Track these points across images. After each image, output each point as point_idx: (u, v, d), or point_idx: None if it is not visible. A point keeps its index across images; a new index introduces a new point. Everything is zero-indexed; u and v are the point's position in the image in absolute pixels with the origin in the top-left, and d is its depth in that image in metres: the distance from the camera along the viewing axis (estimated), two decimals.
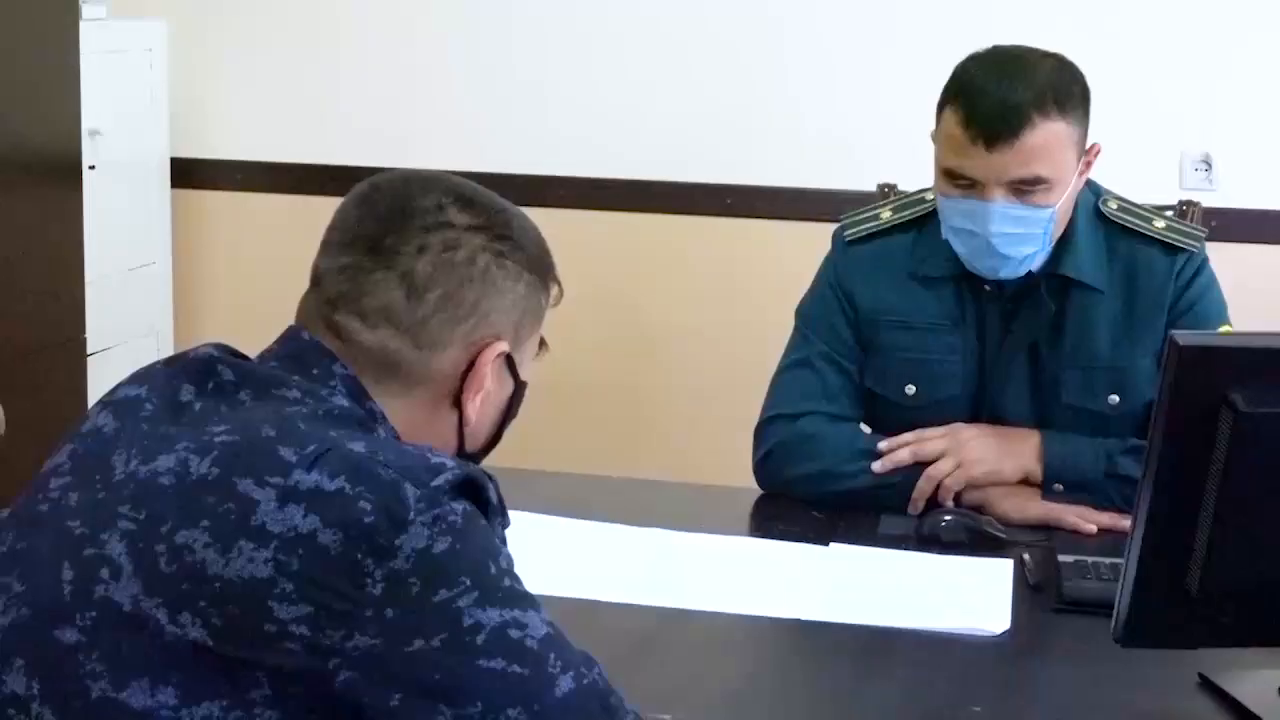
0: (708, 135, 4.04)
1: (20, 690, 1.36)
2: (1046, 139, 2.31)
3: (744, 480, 2.53)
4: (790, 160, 4.00)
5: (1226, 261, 2.63)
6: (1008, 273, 2.40)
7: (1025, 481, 2.40)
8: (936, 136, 2.39)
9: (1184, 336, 1.65)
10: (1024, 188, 2.33)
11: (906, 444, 2.41)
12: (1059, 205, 2.35)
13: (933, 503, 2.38)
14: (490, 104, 4.15)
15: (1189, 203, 2.84)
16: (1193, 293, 2.45)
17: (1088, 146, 2.39)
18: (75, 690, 1.34)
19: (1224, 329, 2.43)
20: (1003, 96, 2.31)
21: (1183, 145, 3.82)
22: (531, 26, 4.12)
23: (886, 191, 2.84)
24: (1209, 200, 3.21)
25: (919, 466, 2.39)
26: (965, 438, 2.41)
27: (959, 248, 2.41)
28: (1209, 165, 3.80)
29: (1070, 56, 2.42)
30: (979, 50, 2.41)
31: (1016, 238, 2.35)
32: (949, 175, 2.37)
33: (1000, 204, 2.33)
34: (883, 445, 2.42)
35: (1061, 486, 2.38)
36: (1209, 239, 2.51)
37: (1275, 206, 3.78)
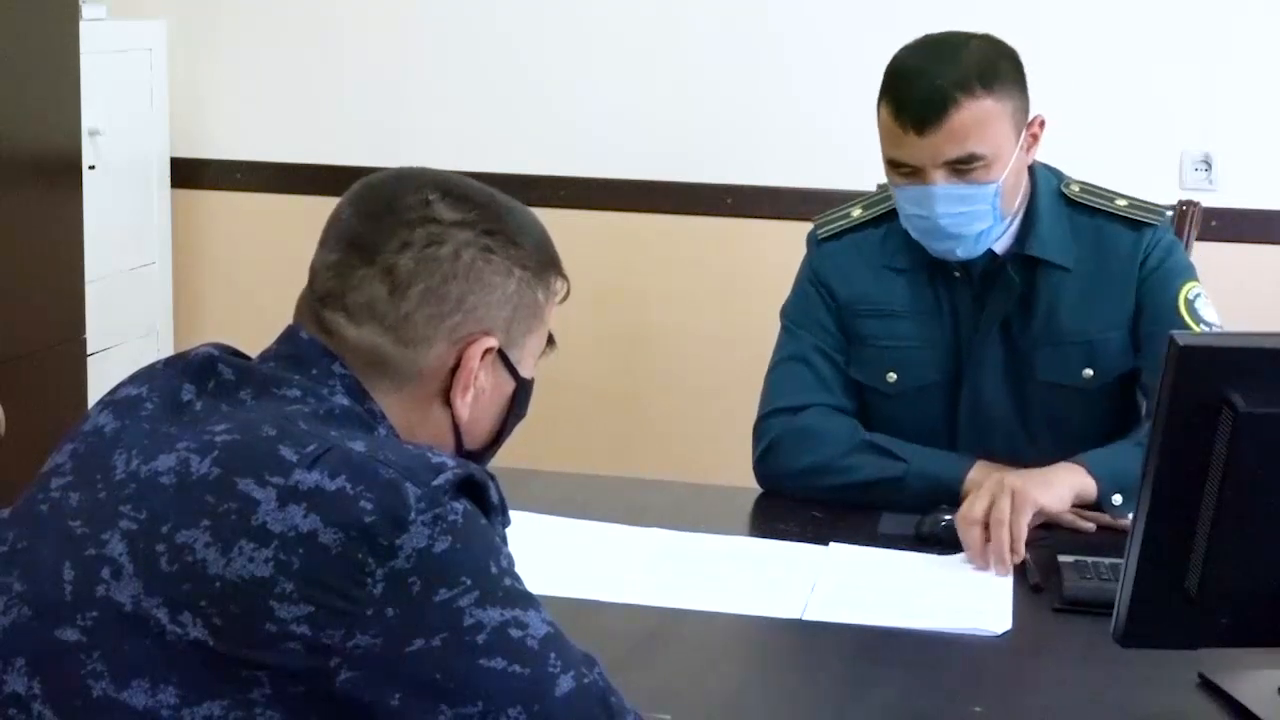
0: (708, 135, 4.04)
1: (21, 690, 1.36)
2: (975, 116, 2.34)
3: (743, 480, 2.53)
4: (791, 160, 4.00)
5: (1226, 261, 2.64)
6: (964, 252, 2.43)
7: (1083, 505, 2.29)
8: (879, 130, 2.41)
9: (1184, 337, 1.65)
10: (961, 167, 2.36)
11: (965, 522, 2.20)
12: (1002, 180, 2.37)
13: (932, 505, 2.37)
14: (490, 104, 4.15)
15: (1189, 203, 2.84)
16: (1156, 257, 2.47)
17: (1030, 119, 2.40)
18: (76, 690, 1.34)
19: (1189, 285, 2.45)
20: (927, 81, 2.35)
21: (1183, 145, 3.82)
22: (531, 26, 4.12)
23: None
24: (1209, 200, 3.21)
25: (918, 467, 2.40)
26: (999, 475, 2.27)
27: (915, 233, 2.45)
28: (1209, 165, 3.80)
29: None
30: (910, 41, 2.44)
31: (964, 216, 2.38)
32: (892, 165, 2.42)
33: (942, 186, 2.36)
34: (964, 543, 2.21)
35: (1121, 498, 2.28)
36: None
37: (1275, 206, 3.78)
